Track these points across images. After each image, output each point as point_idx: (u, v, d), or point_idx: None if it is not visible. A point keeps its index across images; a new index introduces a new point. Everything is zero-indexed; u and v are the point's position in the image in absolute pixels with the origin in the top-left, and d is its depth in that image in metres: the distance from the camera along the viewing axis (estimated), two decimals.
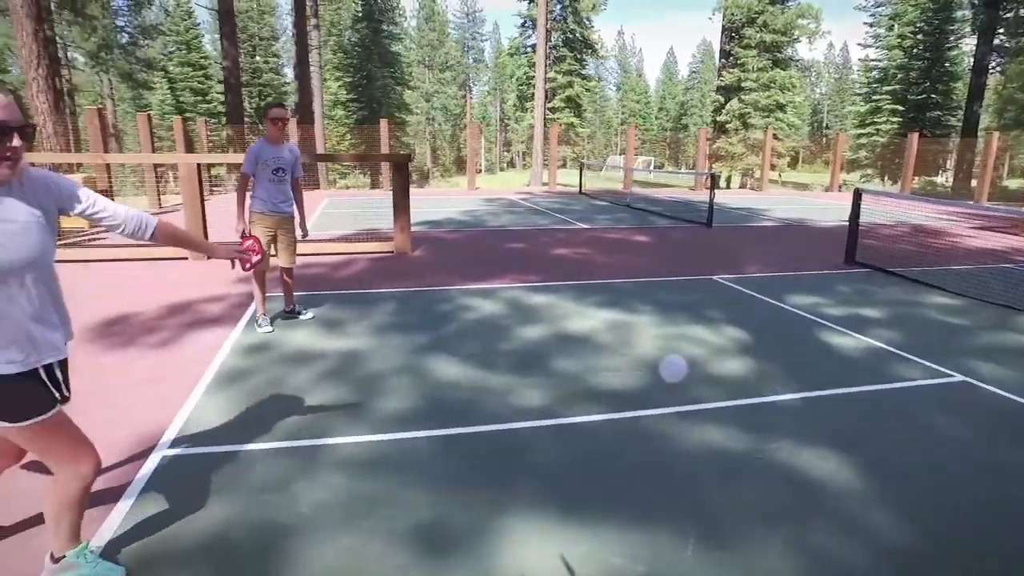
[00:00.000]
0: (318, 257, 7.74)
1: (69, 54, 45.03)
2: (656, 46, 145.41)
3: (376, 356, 4.31)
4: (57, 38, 39.93)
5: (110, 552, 2.21)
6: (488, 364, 4.17)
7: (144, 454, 2.91)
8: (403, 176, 8.00)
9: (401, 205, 7.99)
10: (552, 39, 33.19)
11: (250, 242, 4.26)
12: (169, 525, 2.40)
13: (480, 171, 58.60)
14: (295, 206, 4.92)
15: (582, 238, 9.70)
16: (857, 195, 7.90)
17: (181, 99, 45.32)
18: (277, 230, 4.82)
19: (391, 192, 8.08)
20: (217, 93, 46.17)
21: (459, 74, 62.66)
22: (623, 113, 73.55)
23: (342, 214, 12.28)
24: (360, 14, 37.75)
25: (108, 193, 11.25)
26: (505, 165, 64.66)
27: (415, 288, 6.23)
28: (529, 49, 35.90)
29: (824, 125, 72.45)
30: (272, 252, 4.90)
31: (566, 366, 4.15)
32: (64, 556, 2.04)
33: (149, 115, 17.05)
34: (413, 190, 20.10)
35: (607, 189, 19.18)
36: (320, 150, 27.50)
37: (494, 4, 69.71)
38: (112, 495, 2.57)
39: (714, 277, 6.90)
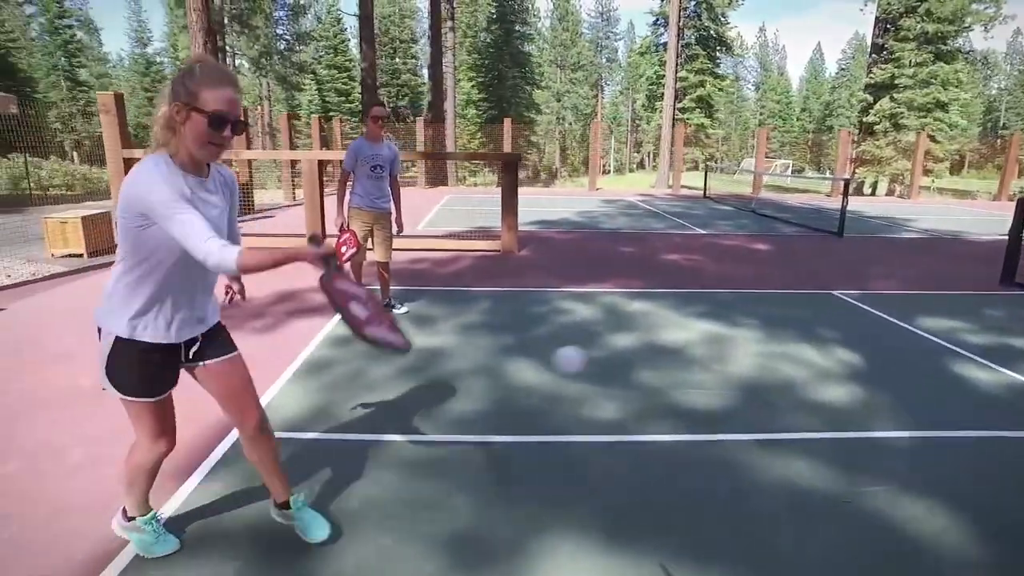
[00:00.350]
0: (425, 253, 7.96)
1: (236, 61, 49.90)
2: (802, 43, 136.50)
3: (458, 355, 4.33)
4: (227, 47, 44.36)
5: (170, 524, 2.35)
6: (590, 368, 4.03)
7: (220, 436, 3.09)
8: (512, 175, 8.02)
9: (509, 204, 8.02)
10: (684, 37, 32.03)
11: (347, 235, 4.46)
12: (228, 506, 2.51)
13: (608, 171, 57.98)
14: (392, 202, 5.06)
15: (696, 244, 9.24)
16: (1021, 205, 6.86)
17: (327, 99, 48.66)
18: (374, 225, 4.98)
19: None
20: (358, 93, 49.24)
21: (591, 74, 62.27)
22: (761, 114, 69.64)
23: (460, 211, 12.58)
24: (494, 15, 38.55)
25: (249, 186, 12.27)
26: (635, 166, 63.48)
27: (513, 288, 6.21)
28: (660, 48, 34.91)
29: (1001, 125, 64.30)
30: (369, 246, 5.07)
31: (649, 379, 3.93)
32: (134, 518, 2.20)
33: (289, 115, 18.45)
34: (535, 190, 20.31)
35: (734, 193, 18.19)
36: (450, 148, 28.51)
37: (629, 3, 68.51)
38: (184, 471, 2.74)
39: (834, 292, 6.28)
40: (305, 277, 6.45)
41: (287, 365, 4.07)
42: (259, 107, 52.59)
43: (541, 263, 7.57)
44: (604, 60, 66.53)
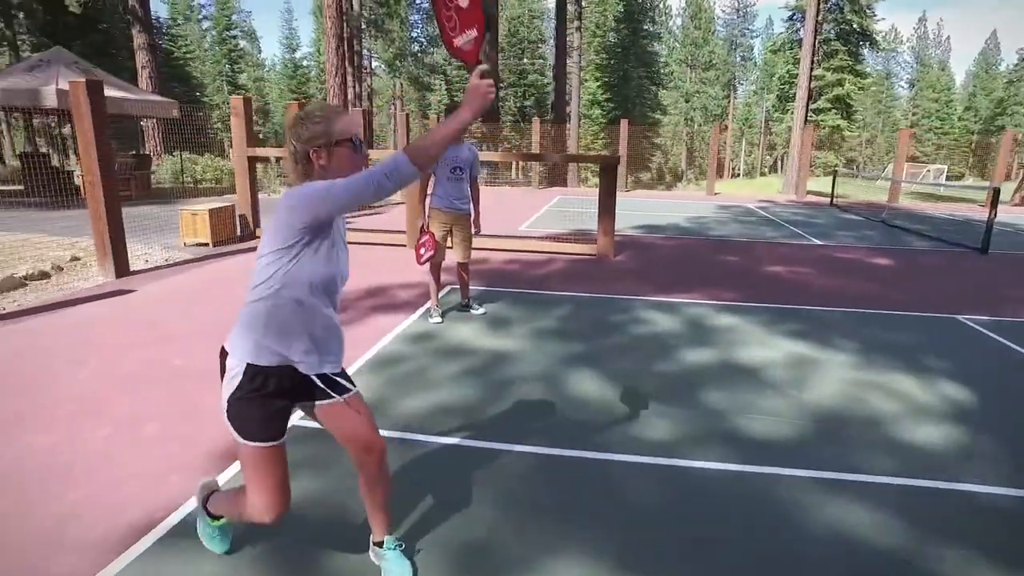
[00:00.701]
0: (519, 254, 7.99)
1: (373, 63, 52.77)
2: (969, 33, 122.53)
3: (523, 359, 4.30)
4: (363, 50, 46.91)
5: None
6: (630, 385, 3.90)
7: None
8: (610, 178, 7.87)
9: (606, 208, 7.87)
10: (822, 32, 29.83)
11: (426, 237, 4.62)
12: None
13: (737, 175, 55.41)
14: (472, 204, 5.12)
15: (808, 256, 8.58)
16: None
17: (456, 99, 50.30)
18: (453, 226, 5.06)
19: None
20: None
21: (724, 73, 59.76)
22: (914, 114, 63.40)
23: (568, 213, 12.51)
24: (621, 14, 38.00)
25: None
26: (766, 170, 60.16)
27: (598, 294, 6.08)
28: (795, 44, 32.74)
29: None
30: (449, 245, 5.16)
31: (716, 400, 3.69)
32: (219, 517, 2.19)
33: (408, 115, 19.18)
34: (652, 193, 19.83)
35: (866, 201, 16.69)
36: (572, 149, 28.46)
37: None
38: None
39: (959, 317, 5.58)
40: (393, 273, 6.72)
41: (357, 359, 4.23)
42: (392, 106, 55.53)
43: (634, 269, 7.36)
44: (738, 59, 63.61)
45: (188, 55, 44.08)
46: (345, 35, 35.02)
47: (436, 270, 5.10)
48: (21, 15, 29.86)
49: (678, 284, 6.58)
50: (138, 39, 20.19)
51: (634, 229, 10.58)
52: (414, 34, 49.18)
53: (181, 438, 3.08)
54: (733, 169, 58.74)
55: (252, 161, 8.84)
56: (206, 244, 8.31)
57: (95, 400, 3.52)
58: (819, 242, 9.80)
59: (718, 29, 59.83)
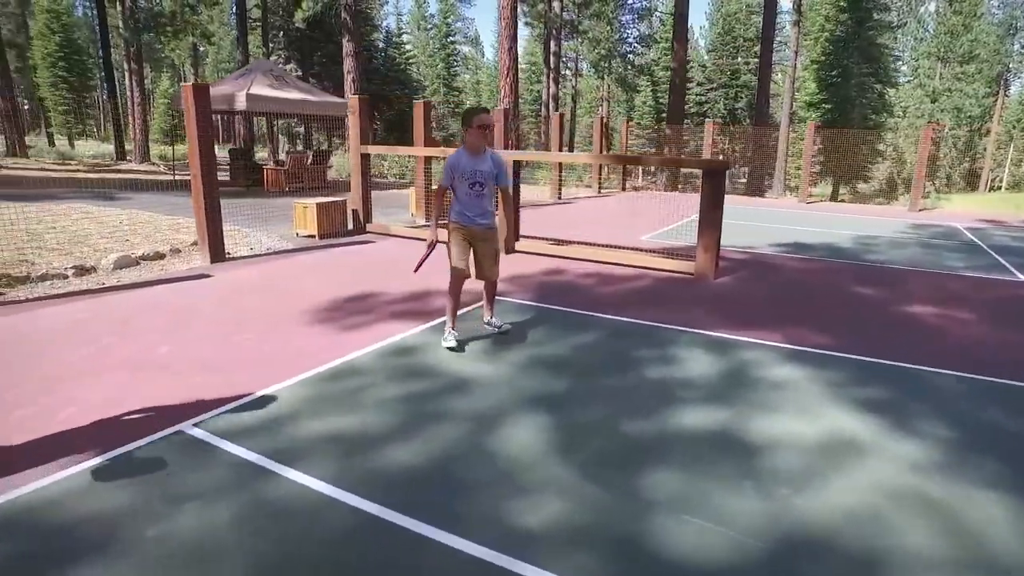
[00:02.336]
0: (603, 267, 7.18)
1: (579, 64, 53.04)
2: None
3: (479, 393, 3.70)
4: (571, 52, 47.23)
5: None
6: (571, 444, 3.11)
7: (158, 429, 3.12)
8: (714, 186, 6.70)
9: (708, 220, 6.73)
10: None
11: (427, 253, 4.31)
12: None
13: (998, 187, 46.43)
14: (495, 218, 4.59)
15: (990, 296, 6.52)
16: None
17: (660, 100, 48.60)
18: (472, 242, 4.48)
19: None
20: (693, 94, 48.00)
21: (992, 66, 50.06)
22: None
23: (730, 225, 11.12)
24: (844, 4, 33.47)
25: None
26: None
27: (651, 322, 5.14)
28: None
29: None
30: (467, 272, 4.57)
31: (661, 484, 2.77)
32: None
33: (602, 118, 18.71)
34: (842, 207, 16.98)
35: None
36: (780, 153, 25.60)
37: None
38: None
39: None
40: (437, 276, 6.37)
41: (316, 367, 3.96)
42: (599, 109, 55.35)
43: (726, 295, 6.17)
44: (1017, 47, 52.97)
45: (411, 59, 48.18)
46: (542, 36, 35.56)
47: (456, 286, 4.48)
48: (281, 34, 34.98)
49: (763, 318, 5.34)
50: (346, 47, 22.32)
51: (775, 246, 9.02)
52: (622, 34, 48.47)
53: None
54: (993, 181, 49.22)
55: (365, 158, 9.09)
56: (313, 236, 8.72)
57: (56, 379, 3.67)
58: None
59: (991, 12, 50.29)
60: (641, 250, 8.00)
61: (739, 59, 47.87)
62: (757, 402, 3.64)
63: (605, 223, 10.82)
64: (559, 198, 14.85)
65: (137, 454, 2.95)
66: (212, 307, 5.37)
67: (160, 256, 7.34)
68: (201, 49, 52.28)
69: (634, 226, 10.12)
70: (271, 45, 33.93)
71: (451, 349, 4.33)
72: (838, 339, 4.83)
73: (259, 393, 3.62)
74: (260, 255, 7.64)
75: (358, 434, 3.17)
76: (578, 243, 8.28)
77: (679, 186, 20.83)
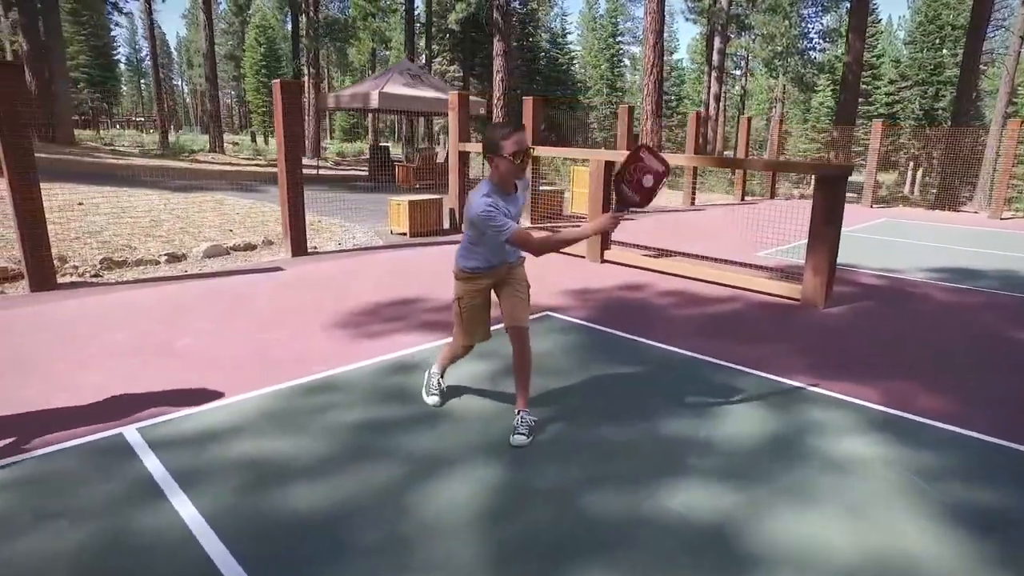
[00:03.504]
0: (698, 285, 6.25)
1: (750, 63, 49.67)
2: None
3: (462, 436, 3.18)
4: (740, 48, 44.49)
5: None
6: (543, 522, 2.48)
7: (100, 429, 2.97)
8: (829, 196, 5.49)
9: (820, 237, 5.55)
10: None
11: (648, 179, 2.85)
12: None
13: None
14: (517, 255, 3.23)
15: None
16: None
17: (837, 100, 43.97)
18: (498, 285, 3.19)
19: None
20: (881, 93, 42.75)
21: None
22: None
23: (893, 243, 9.53)
24: None
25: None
26: None
27: (709, 358, 4.25)
28: None
29: None
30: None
31: None
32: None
33: (749, 119, 17.07)
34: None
35: None
36: (987, 160, 21.59)
37: None
38: None
39: None
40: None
41: (272, 387, 3.68)
42: (772, 110, 51.32)
43: (832, 330, 5.01)
44: None
45: (573, 60, 48.04)
46: (705, 32, 33.46)
47: (449, 359, 3.45)
48: (447, 36, 36.44)
49: (865, 365, 4.20)
50: (496, 47, 22.50)
51: (927, 271, 7.36)
52: (804, 28, 44.41)
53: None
54: None
55: (463, 156, 8.83)
56: (404, 233, 8.63)
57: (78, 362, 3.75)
58: None
59: None
60: (749, 266, 6.90)
61: (944, 51, 41.78)
62: (794, 486, 2.73)
63: (723, 233, 9.62)
64: (691, 204, 13.66)
65: (57, 456, 2.80)
66: (264, 301, 5.34)
67: (251, 247, 7.61)
68: (384, 52, 56.28)
69: (758, 239, 8.88)
70: (435, 48, 35.50)
71: (435, 406, 3.42)
72: (967, 407, 3.61)
73: (223, 401, 3.38)
74: (344, 251, 7.65)
75: (279, 464, 2.80)
76: (677, 255, 7.37)
77: None
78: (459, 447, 2.99)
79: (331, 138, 53.62)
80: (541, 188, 9.98)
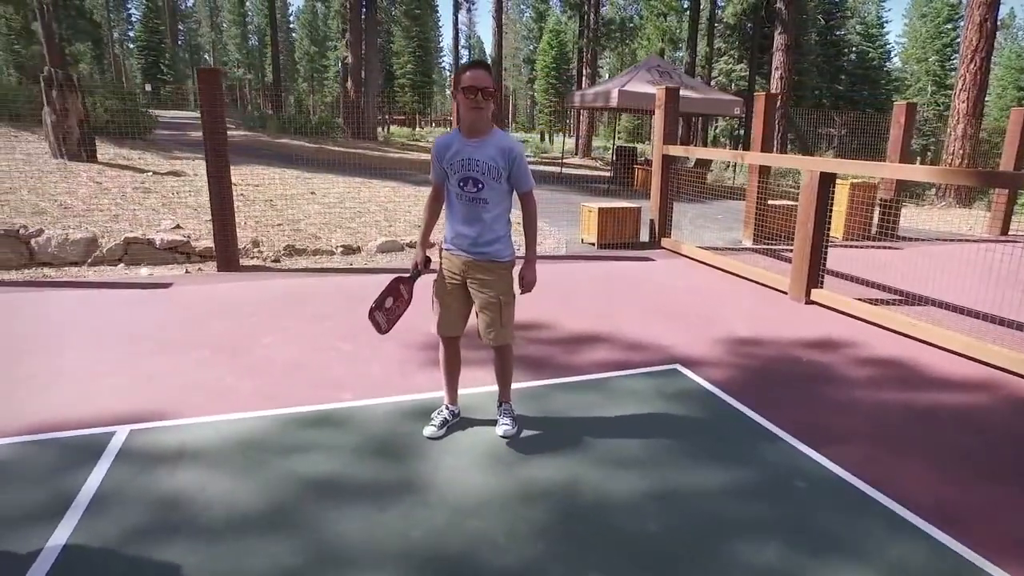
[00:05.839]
0: (937, 354, 4.39)
1: None
2: None
3: (433, 525, 2.46)
4: None
5: None
6: None
7: (109, 423, 2.93)
8: None
9: None
10: None
11: (389, 301, 2.90)
12: None
13: None
14: (505, 243, 2.85)
15: None
16: None
17: None
18: (466, 279, 2.86)
19: None
20: None
21: None
22: None
23: None
24: None
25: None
26: None
27: (885, 498, 2.77)
28: None
29: None
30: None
31: None
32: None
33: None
34: None
35: None
36: None
37: None
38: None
39: None
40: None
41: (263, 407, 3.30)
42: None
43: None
44: None
45: (891, 54, 41.16)
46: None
47: (448, 349, 3.03)
48: (734, 33, 33.91)
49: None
50: (777, 40, 20.02)
51: None
52: None
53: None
54: None
55: (667, 160, 7.69)
56: (592, 243, 7.85)
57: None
58: None
59: None
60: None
61: None
62: None
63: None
64: (1002, 233, 10.27)
65: (50, 444, 2.79)
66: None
67: (352, 250, 7.51)
68: (678, 53, 54.80)
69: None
70: (722, 45, 33.22)
71: (431, 437, 2.98)
72: None
73: (227, 416, 3.12)
74: (518, 257, 7.18)
75: (202, 507, 2.38)
76: (928, 303, 5.39)
77: None
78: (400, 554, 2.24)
79: (616, 139, 54.15)
80: (769, 202, 8.30)
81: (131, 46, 60.21)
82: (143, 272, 5.99)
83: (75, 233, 6.28)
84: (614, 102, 13.03)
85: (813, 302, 5.51)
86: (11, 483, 2.52)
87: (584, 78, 30.45)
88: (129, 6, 62.09)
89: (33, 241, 6.17)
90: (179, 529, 2.26)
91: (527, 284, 2.90)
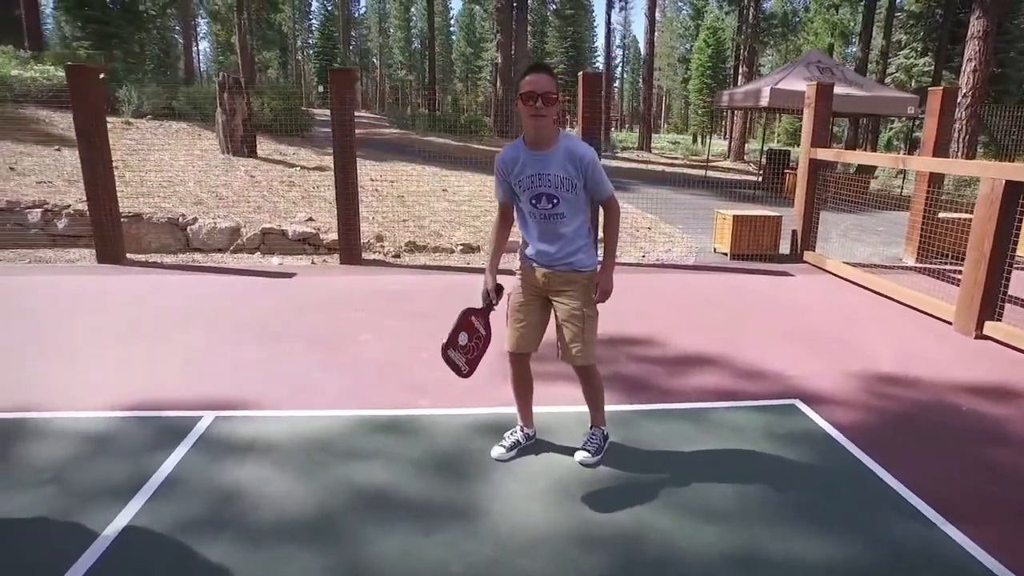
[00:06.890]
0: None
1: None
2: None
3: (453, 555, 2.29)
4: None
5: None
6: None
7: (192, 408, 3.07)
8: None
9: None
10: None
11: (463, 337, 2.67)
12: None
13: None
14: (588, 253, 2.60)
15: None
16: None
17: None
18: (547, 293, 2.66)
19: None
20: None
21: None
22: None
23: None
24: None
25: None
26: None
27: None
28: None
29: None
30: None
31: None
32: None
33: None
34: None
35: None
36: None
37: None
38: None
39: None
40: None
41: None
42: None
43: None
44: None
45: None
46: None
47: (517, 367, 2.80)
48: (919, 22, 30.40)
49: None
50: (973, 27, 17.41)
51: None
52: None
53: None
54: None
55: (816, 164, 6.89)
56: (724, 254, 7.24)
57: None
58: None
59: None
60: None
61: None
62: None
63: None
64: None
65: (144, 422, 2.96)
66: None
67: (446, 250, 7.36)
68: (850, 49, 50.13)
69: None
70: (904, 38, 29.79)
71: (498, 459, 2.79)
72: None
73: (303, 412, 3.15)
74: (640, 264, 6.81)
75: (254, 505, 2.36)
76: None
77: None
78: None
79: (769, 141, 50.71)
80: (940, 215, 7.18)
81: (311, 52, 66.05)
82: (274, 261, 6.37)
83: (222, 222, 6.84)
84: (765, 101, 12.06)
85: (986, 336, 4.62)
86: (99, 456, 2.68)
87: (740, 76, 28.70)
88: (311, 17, 68.09)
89: (188, 229, 6.81)
90: (228, 526, 2.26)
91: (603, 293, 2.60)
